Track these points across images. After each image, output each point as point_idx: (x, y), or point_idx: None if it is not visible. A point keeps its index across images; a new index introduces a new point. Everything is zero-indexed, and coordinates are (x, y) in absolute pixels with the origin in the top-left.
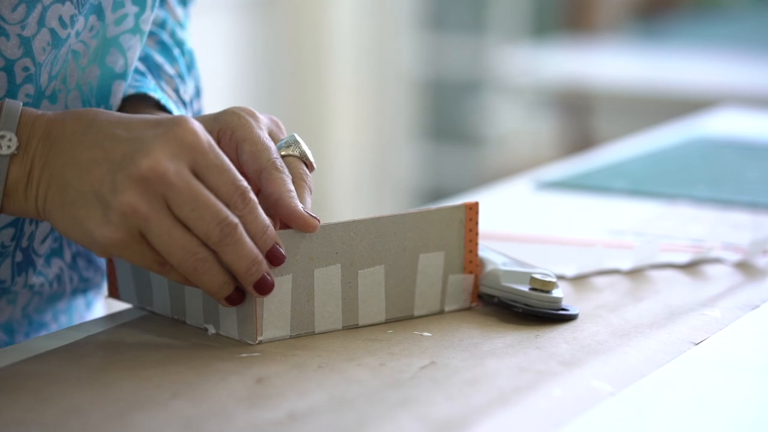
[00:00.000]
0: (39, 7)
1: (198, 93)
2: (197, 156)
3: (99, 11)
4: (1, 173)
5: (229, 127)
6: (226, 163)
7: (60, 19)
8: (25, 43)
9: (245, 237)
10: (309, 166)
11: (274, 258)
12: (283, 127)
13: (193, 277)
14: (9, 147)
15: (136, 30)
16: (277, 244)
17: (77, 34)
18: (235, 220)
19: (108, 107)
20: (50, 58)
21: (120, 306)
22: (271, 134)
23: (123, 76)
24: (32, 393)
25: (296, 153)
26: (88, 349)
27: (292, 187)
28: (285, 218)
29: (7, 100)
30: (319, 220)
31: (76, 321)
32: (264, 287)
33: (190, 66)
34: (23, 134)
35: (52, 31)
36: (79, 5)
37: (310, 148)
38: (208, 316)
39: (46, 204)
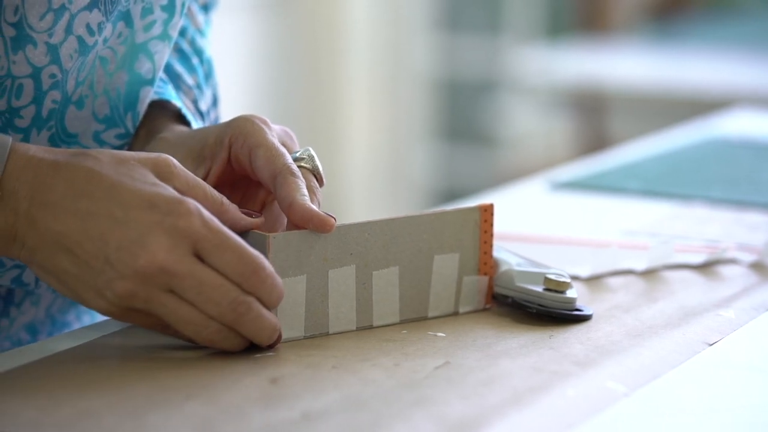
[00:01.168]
0: (66, 15)
1: (215, 102)
2: (197, 241)
3: (127, 18)
4: None
5: (241, 133)
6: (230, 241)
7: (87, 26)
8: (52, 50)
9: (262, 311)
10: (320, 181)
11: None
12: (295, 139)
13: (209, 345)
14: None
15: (164, 36)
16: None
17: (105, 40)
18: (248, 297)
19: (135, 113)
20: (77, 64)
21: None
22: (284, 144)
23: (151, 82)
24: (47, 394)
25: (308, 166)
26: (102, 351)
27: (306, 192)
28: (300, 221)
29: None
30: (335, 219)
31: (99, 319)
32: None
33: (209, 75)
34: (8, 183)
35: (80, 39)
36: (107, 13)
37: (322, 164)
38: None
39: (34, 265)
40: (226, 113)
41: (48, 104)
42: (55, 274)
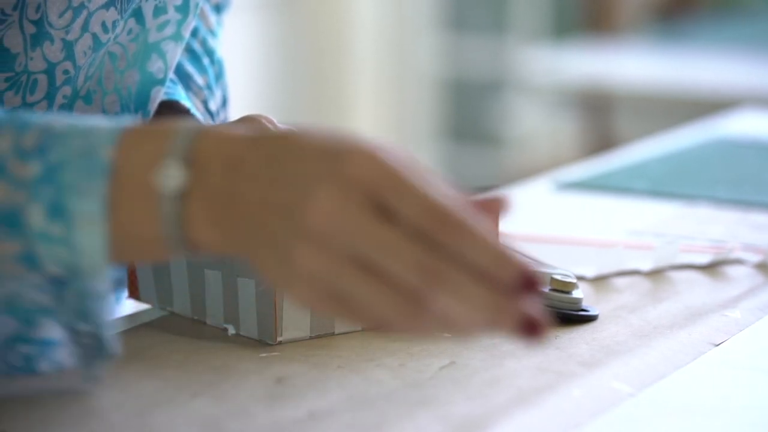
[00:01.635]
0: (84, 13)
1: (224, 102)
2: (376, 190)
3: (138, 15)
4: (174, 214)
5: None
6: (415, 184)
7: (103, 24)
8: (68, 47)
9: (461, 278)
10: None
11: (527, 283)
12: None
13: (417, 334)
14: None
15: (177, 37)
16: (523, 264)
17: (115, 36)
18: (436, 259)
19: (146, 113)
20: (89, 60)
21: (140, 306)
22: None
23: (162, 82)
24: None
25: None
26: None
27: None
28: None
29: (182, 123)
30: None
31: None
32: (531, 329)
33: (219, 76)
34: (197, 168)
35: (94, 36)
36: (122, 11)
37: None
38: (228, 317)
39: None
40: (232, 113)
41: (59, 99)
42: (261, 247)
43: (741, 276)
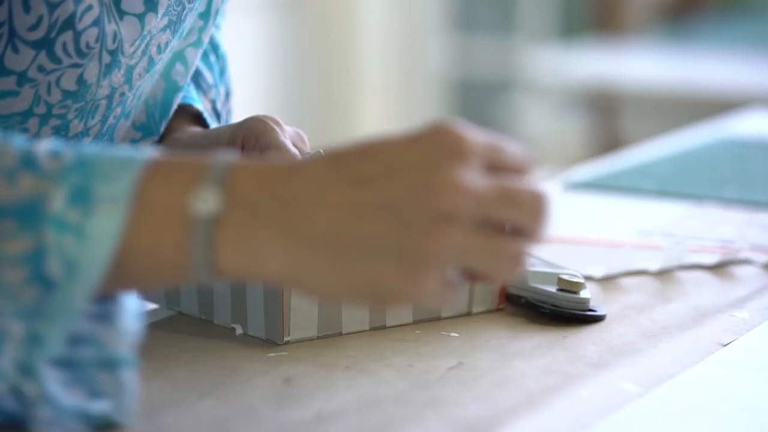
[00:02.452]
0: (147, 38)
1: (228, 96)
2: (480, 153)
3: (182, 33)
4: (205, 239)
5: (253, 134)
6: (491, 142)
7: (159, 46)
8: (128, 71)
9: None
10: None
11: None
12: (307, 141)
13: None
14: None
15: (198, 43)
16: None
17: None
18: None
19: (167, 119)
20: (142, 81)
21: (148, 306)
22: (295, 145)
23: (182, 88)
24: None
25: None
26: None
27: None
28: None
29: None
30: None
31: None
32: None
33: (223, 70)
34: (233, 189)
35: (150, 58)
36: (174, 32)
37: None
38: (235, 316)
39: (285, 264)
40: (240, 113)
41: (110, 120)
42: (327, 284)
43: (749, 276)
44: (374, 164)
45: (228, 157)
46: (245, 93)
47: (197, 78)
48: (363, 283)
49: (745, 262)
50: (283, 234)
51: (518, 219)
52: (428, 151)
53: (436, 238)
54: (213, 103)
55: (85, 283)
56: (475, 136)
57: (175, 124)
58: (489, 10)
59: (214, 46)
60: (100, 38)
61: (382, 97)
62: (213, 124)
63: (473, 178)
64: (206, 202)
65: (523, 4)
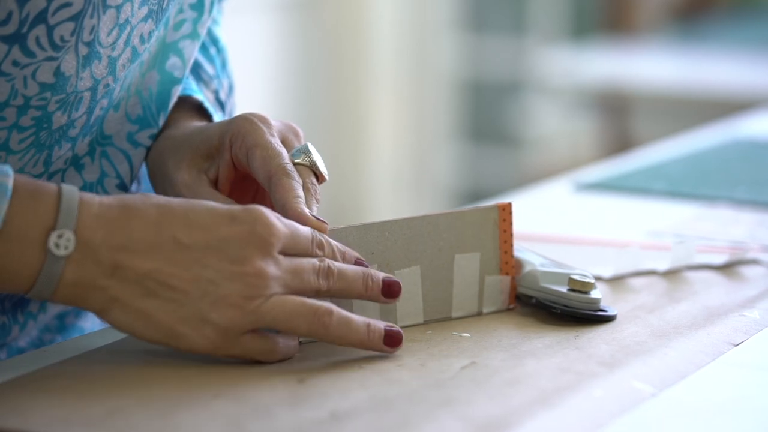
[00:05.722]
0: (128, 29)
1: (231, 89)
2: (279, 241)
3: (167, 21)
4: (55, 276)
5: (240, 133)
6: (295, 230)
7: (141, 36)
8: (112, 62)
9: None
10: (319, 177)
11: (389, 291)
12: (301, 135)
13: (327, 336)
14: (66, 248)
15: (194, 35)
16: (386, 281)
17: (150, 46)
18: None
19: (166, 112)
20: (126, 72)
21: None
22: (286, 141)
23: (180, 80)
24: (77, 393)
25: (306, 163)
26: (130, 349)
27: (302, 193)
28: None
29: (63, 189)
30: (327, 224)
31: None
32: (393, 340)
33: (224, 64)
34: (84, 234)
35: (133, 49)
36: (157, 21)
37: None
38: None
39: (112, 314)
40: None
41: (97, 112)
42: (144, 317)
43: (758, 276)
44: (193, 236)
45: (75, 196)
46: (256, 93)
47: (197, 70)
48: (161, 327)
49: (753, 262)
50: (108, 277)
51: (308, 288)
52: (243, 230)
53: (222, 306)
54: (216, 93)
55: None
56: (279, 225)
57: (174, 117)
58: (500, 11)
59: (214, 40)
60: (76, 31)
61: (394, 97)
62: (217, 115)
63: (274, 264)
64: (65, 247)
65: (534, 5)
